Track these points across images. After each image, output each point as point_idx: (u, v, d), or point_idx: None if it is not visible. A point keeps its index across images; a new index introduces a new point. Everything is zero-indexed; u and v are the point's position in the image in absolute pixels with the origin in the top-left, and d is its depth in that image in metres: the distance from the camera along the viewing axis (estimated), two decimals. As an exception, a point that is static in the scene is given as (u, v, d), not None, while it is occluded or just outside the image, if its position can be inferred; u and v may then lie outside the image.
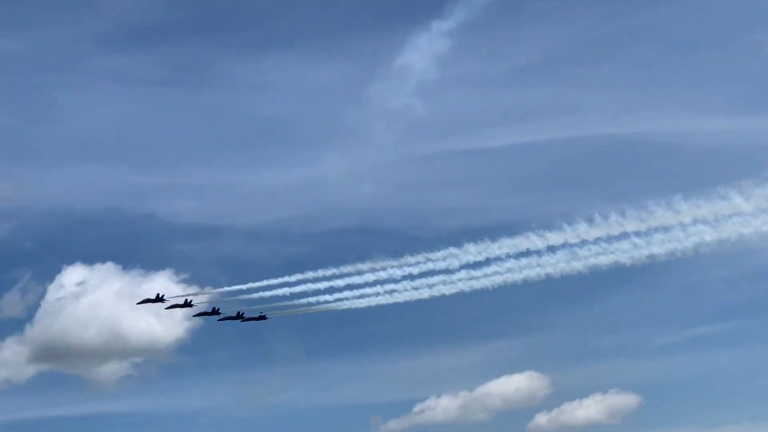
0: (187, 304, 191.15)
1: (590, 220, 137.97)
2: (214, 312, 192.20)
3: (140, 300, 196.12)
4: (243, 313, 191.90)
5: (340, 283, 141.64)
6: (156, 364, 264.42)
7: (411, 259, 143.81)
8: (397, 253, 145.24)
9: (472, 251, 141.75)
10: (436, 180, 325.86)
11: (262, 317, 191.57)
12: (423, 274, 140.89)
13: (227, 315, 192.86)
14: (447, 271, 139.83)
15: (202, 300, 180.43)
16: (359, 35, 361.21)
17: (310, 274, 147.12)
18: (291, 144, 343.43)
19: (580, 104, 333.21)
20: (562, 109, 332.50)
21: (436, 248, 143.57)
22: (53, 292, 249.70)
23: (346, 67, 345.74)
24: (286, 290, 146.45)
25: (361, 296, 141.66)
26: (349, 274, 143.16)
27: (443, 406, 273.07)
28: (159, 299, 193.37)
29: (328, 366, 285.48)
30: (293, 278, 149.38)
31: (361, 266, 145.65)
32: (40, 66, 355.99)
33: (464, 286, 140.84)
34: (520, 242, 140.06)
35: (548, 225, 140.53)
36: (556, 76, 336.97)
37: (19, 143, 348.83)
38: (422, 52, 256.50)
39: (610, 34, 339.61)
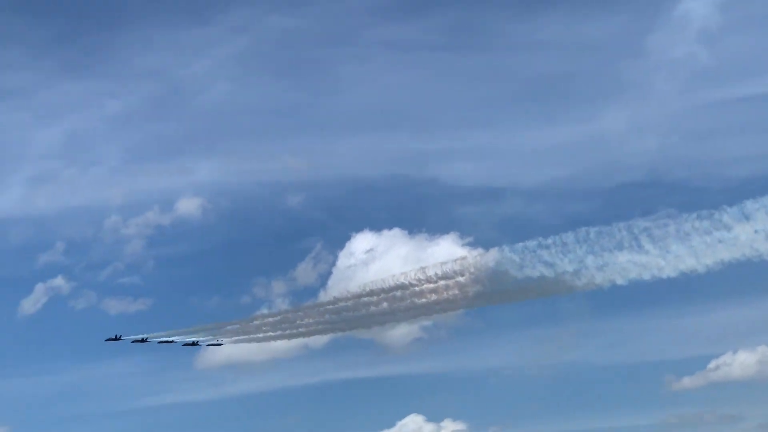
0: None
1: None
2: (144, 341, 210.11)
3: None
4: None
5: (621, 258, 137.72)
6: (445, 326, 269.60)
7: (698, 221, 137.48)
8: (685, 207, 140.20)
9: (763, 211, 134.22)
10: (722, 129, 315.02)
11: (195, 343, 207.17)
12: (711, 245, 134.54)
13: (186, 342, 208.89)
14: (735, 238, 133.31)
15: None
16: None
17: (587, 246, 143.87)
18: (570, 100, 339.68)
19: None
20: None
21: (725, 200, 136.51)
22: (344, 260, 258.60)
23: (624, 18, 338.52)
24: (567, 264, 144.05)
25: (644, 267, 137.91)
26: (623, 246, 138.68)
27: (740, 362, 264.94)
28: (117, 338, 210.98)
29: (618, 323, 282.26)
30: (575, 247, 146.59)
31: (646, 222, 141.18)
32: (321, 41, 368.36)
33: (751, 252, 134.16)
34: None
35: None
36: None
37: (306, 117, 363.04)
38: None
39: None
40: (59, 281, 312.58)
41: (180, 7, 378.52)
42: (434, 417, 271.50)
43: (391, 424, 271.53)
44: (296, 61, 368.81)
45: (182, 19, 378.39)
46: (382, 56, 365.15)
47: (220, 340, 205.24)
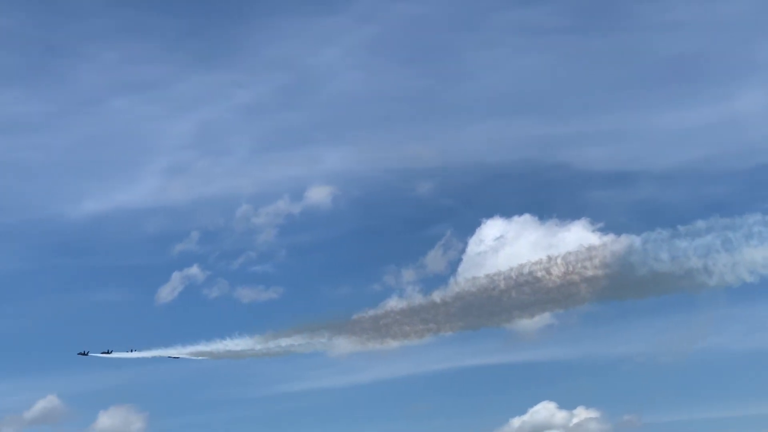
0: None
1: None
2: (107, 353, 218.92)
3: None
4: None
5: (754, 254, 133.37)
6: (576, 313, 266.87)
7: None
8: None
9: None
10: None
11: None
12: None
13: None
14: None
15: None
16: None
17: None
18: (703, 81, 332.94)
19: None
20: None
21: None
22: (474, 247, 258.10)
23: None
24: (697, 261, 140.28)
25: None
26: (754, 236, 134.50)
27: None
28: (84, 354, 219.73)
29: (756, 309, 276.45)
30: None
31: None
32: (448, 27, 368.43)
33: None
34: None
35: None
36: None
37: (435, 104, 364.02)
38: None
39: None
40: (194, 270, 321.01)
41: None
42: (567, 404, 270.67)
43: (523, 411, 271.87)
44: (424, 47, 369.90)
45: (310, 9, 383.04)
46: (510, 41, 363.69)
47: (180, 354, 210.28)
